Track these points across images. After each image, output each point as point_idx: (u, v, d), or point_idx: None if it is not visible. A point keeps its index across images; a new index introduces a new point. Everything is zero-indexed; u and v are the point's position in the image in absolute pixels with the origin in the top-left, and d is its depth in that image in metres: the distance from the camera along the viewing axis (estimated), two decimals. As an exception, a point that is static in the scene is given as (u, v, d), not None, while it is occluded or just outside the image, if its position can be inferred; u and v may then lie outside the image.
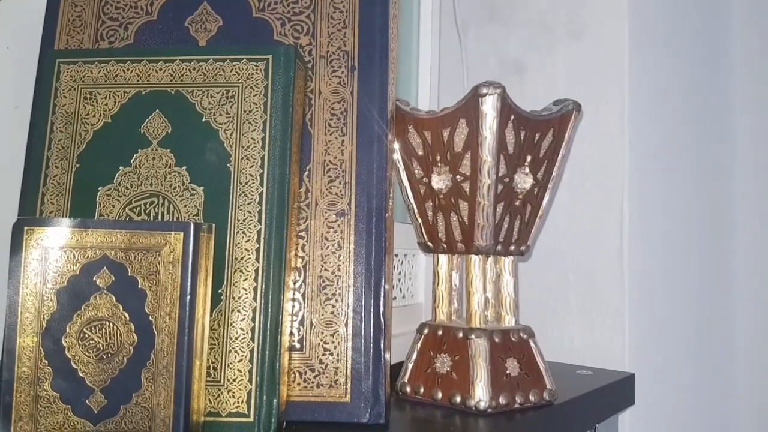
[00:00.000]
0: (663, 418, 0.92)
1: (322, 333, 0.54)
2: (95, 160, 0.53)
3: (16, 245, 0.44)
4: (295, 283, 0.54)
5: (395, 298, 0.77)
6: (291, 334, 0.53)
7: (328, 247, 0.55)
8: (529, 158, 0.61)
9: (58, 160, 0.54)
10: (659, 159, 0.94)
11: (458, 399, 0.58)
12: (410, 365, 0.63)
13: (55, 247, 0.45)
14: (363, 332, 0.54)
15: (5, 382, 0.44)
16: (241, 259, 0.50)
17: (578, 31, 0.90)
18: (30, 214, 0.53)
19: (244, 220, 0.51)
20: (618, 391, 0.75)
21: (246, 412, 0.48)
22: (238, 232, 0.51)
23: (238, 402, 0.48)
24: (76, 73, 0.55)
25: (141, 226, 0.46)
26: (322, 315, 0.54)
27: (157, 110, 0.53)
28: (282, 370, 0.50)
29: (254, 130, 0.52)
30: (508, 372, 0.59)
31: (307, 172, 0.56)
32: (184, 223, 0.46)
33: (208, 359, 0.48)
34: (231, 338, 0.49)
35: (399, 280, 0.77)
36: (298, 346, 0.54)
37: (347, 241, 0.55)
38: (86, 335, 0.44)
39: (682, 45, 1.03)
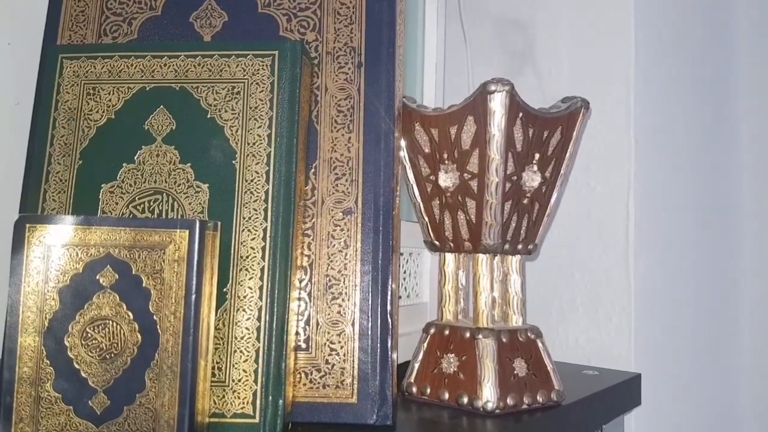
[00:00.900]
0: (669, 418, 0.91)
1: (329, 333, 0.53)
2: (98, 157, 0.52)
3: (18, 243, 0.44)
4: (301, 282, 0.53)
5: (400, 297, 0.77)
6: (297, 333, 0.52)
7: (334, 245, 0.54)
8: (537, 156, 0.60)
9: (60, 156, 0.53)
10: (665, 157, 0.93)
11: (465, 400, 0.57)
12: (416, 365, 0.62)
13: (57, 245, 0.44)
14: (370, 332, 0.53)
15: (6, 383, 0.43)
16: (247, 257, 0.49)
17: (584, 27, 0.90)
18: (32, 212, 0.52)
19: (249, 218, 0.50)
20: (624, 392, 0.74)
21: (251, 413, 0.47)
22: (243, 230, 0.50)
23: (244, 403, 0.48)
24: (79, 68, 0.54)
25: (146, 224, 0.45)
26: (329, 314, 0.53)
27: (161, 106, 0.53)
28: (288, 371, 0.49)
29: (260, 126, 0.52)
30: (515, 372, 0.58)
31: (313, 170, 0.55)
32: (190, 220, 0.45)
33: (212, 359, 0.47)
34: (236, 338, 0.48)
35: (404, 279, 0.76)
36: (303, 345, 0.53)
37: (354, 239, 0.54)
38: (89, 335, 0.43)
39: (688, 43, 1.03)
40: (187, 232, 0.44)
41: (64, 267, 0.44)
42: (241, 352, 0.48)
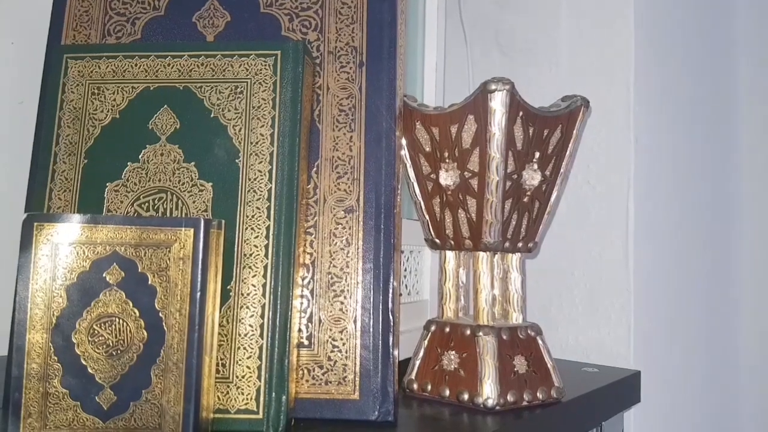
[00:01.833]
0: (668, 415, 0.92)
1: (331, 330, 0.53)
2: (103, 156, 0.53)
3: (26, 241, 0.44)
4: (303, 280, 0.54)
5: (401, 295, 0.77)
6: (299, 330, 0.53)
7: (336, 243, 0.55)
8: (537, 154, 0.60)
9: (65, 155, 0.53)
10: (665, 155, 0.94)
11: (466, 396, 0.58)
12: (417, 362, 0.62)
13: (64, 243, 0.44)
14: (372, 329, 0.53)
15: (15, 379, 0.43)
16: (250, 255, 0.50)
17: (585, 26, 0.90)
18: (38, 210, 0.52)
19: (252, 217, 0.51)
20: (624, 389, 0.75)
21: (255, 409, 0.48)
22: (246, 229, 0.50)
23: (247, 399, 0.48)
24: (83, 68, 0.55)
25: (151, 222, 0.45)
26: (331, 312, 0.54)
27: (165, 106, 0.53)
28: (291, 367, 0.50)
29: (263, 126, 0.52)
30: (516, 369, 0.59)
31: (315, 168, 0.56)
32: (195, 219, 0.46)
33: (217, 356, 0.48)
34: (240, 335, 0.49)
35: (405, 276, 0.77)
36: (306, 342, 0.53)
37: (356, 237, 0.55)
38: (96, 332, 0.44)
39: (688, 42, 1.03)
40: (192, 230, 0.45)
41: (71, 265, 0.44)
42: (244, 348, 0.49)
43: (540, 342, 0.62)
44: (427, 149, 0.62)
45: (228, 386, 0.48)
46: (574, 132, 0.62)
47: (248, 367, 0.48)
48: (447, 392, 0.59)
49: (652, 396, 0.85)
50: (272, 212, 0.51)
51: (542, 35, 0.94)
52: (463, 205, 0.60)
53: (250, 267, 0.50)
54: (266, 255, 0.50)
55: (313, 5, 0.59)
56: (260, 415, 0.48)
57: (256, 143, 0.52)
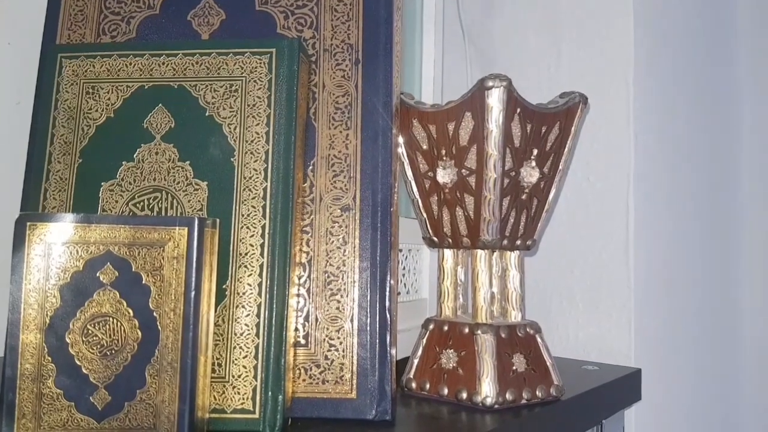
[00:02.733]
0: (669, 413, 0.91)
1: (328, 329, 0.53)
2: (98, 155, 0.53)
3: (19, 241, 0.44)
4: (299, 279, 0.54)
5: (399, 293, 0.77)
6: (296, 329, 0.53)
7: (332, 242, 0.54)
8: (535, 152, 0.60)
9: (60, 155, 0.53)
10: (665, 152, 0.94)
11: (464, 395, 0.57)
12: (416, 361, 0.62)
13: (58, 243, 0.44)
14: (369, 328, 0.53)
15: (8, 379, 0.43)
16: (246, 254, 0.50)
17: (584, 23, 0.90)
18: (32, 210, 0.52)
19: (248, 215, 0.50)
20: (624, 387, 0.75)
21: (251, 409, 0.48)
22: (242, 227, 0.50)
23: (243, 398, 0.48)
24: (78, 67, 0.54)
25: (145, 222, 0.45)
26: (327, 311, 0.53)
27: (160, 104, 0.53)
28: (287, 366, 0.49)
29: (258, 124, 0.52)
30: (514, 368, 0.59)
31: (311, 167, 0.55)
32: (189, 218, 0.46)
33: (212, 355, 0.48)
34: (236, 334, 0.49)
35: (403, 275, 0.77)
36: (303, 341, 0.53)
37: (352, 236, 0.54)
38: (90, 331, 0.44)
39: (688, 38, 1.03)
40: (186, 229, 0.45)
41: (64, 264, 0.44)
42: (240, 348, 0.48)
43: (539, 340, 0.61)
44: (425, 147, 0.61)
45: (224, 386, 0.48)
46: (573, 129, 0.62)
47: (244, 367, 0.48)
48: (445, 391, 0.59)
49: (652, 394, 0.85)
50: (268, 211, 0.50)
51: (542, 32, 0.93)
52: (461, 203, 0.60)
53: (245, 266, 0.49)
54: (262, 254, 0.50)
55: (308, 3, 0.58)
56: (257, 415, 0.48)
57: (252, 141, 0.52)
